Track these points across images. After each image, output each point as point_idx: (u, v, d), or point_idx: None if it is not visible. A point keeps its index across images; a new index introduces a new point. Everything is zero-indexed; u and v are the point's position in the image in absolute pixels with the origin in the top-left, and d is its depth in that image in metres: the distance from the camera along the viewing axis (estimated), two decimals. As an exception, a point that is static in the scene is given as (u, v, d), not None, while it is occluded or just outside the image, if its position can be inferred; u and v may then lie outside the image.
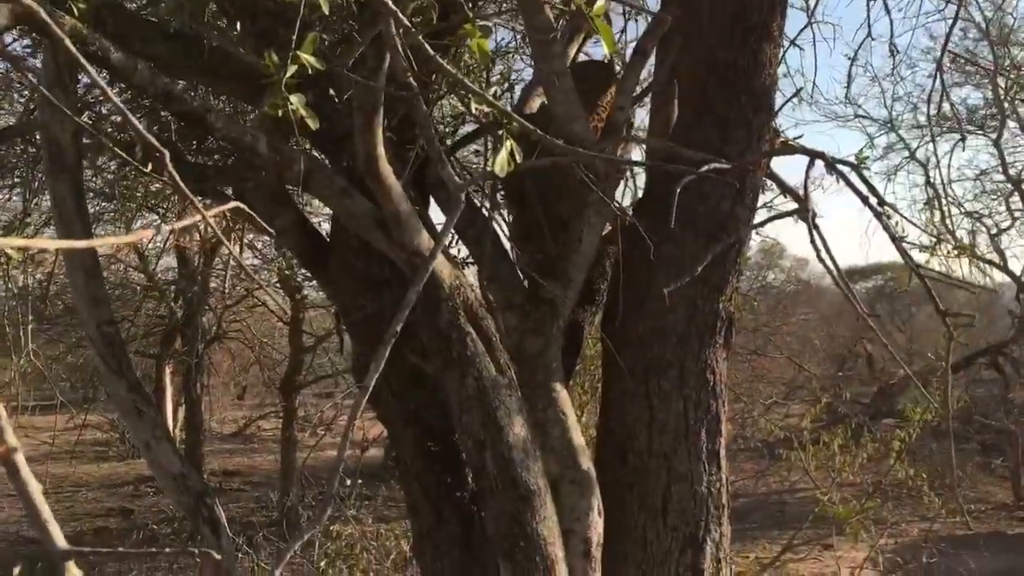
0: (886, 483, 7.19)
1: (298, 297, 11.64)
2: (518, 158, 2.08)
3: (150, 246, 10.34)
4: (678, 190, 2.75)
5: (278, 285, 11.80)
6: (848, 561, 8.15)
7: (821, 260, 4.29)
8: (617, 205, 3.79)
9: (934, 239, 4.81)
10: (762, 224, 4.17)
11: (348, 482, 6.47)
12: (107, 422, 15.85)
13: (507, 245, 3.74)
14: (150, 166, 1.36)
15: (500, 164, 2.05)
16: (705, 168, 2.60)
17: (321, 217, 7.74)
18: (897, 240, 2.97)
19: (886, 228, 2.97)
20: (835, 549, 5.84)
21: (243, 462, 16.61)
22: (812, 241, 2.93)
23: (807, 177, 2.80)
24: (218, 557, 3.20)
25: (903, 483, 7.24)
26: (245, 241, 10.42)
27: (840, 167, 3.42)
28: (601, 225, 3.69)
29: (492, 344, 3.23)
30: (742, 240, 3.75)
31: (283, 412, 12.93)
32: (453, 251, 3.95)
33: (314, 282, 10.40)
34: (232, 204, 1.24)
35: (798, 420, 8.82)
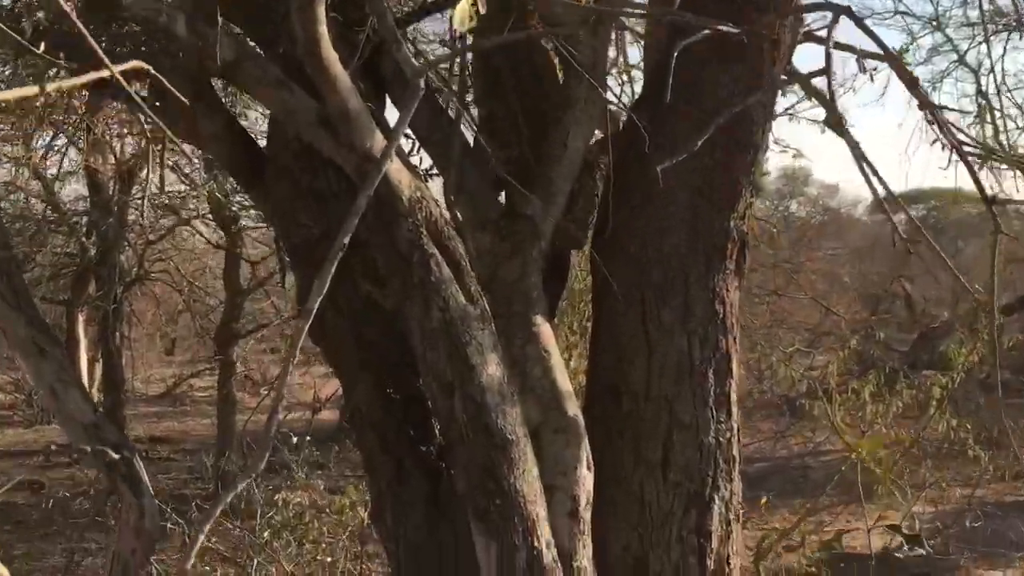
0: (924, 438, 7.30)
1: (234, 229, 11.56)
2: (482, 7, 2.04)
3: (51, 168, 10.18)
4: (675, 55, 2.74)
5: (209, 216, 11.72)
6: (882, 537, 8.31)
7: (857, 160, 4.29)
8: (611, 105, 3.77)
9: (985, 153, 4.82)
10: (783, 114, 4.15)
11: (295, 440, 6.49)
12: (10, 382, 15.81)
13: (479, 153, 3.71)
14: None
15: (460, 16, 2.01)
16: (713, 28, 2.58)
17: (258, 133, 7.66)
18: (951, 137, 2.96)
19: (937, 121, 2.96)
20: (865, 514, 5.93)
21: (173, 427, 16.65)
22: (834, 123, 2.91)
23: (829, 35, 2.78)
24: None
25: (944, 437, 7.35)
26: (168, 163, 10.29)
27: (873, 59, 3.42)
28: (590, 128, 3.68)
29: (461, 269, 3.22)
30: (757, 145, 3.74)
31: (219, 368, 12.91)
32: (415, 161, 3.92)
33: (256, 212, 10.33)
34: (135, 64, 1.19)
35: (824, 372, 8.91)
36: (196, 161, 11.00)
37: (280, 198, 3.71)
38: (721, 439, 3.82)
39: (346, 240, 2.14)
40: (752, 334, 12.11)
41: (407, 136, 3.87)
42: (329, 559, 5.51)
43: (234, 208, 10.52)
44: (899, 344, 16.45)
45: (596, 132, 3.88)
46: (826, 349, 12.48)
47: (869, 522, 7.02)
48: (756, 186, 3.96)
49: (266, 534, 5.53)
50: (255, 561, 5.35)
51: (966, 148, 4.41)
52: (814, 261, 16.51)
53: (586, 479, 3.44)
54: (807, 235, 17.13)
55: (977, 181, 3.24)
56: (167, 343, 21.22)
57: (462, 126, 3.61)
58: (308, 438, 6.65)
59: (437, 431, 3.63)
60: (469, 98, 3.96)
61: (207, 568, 5.54)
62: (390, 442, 3.72)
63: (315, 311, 2.19)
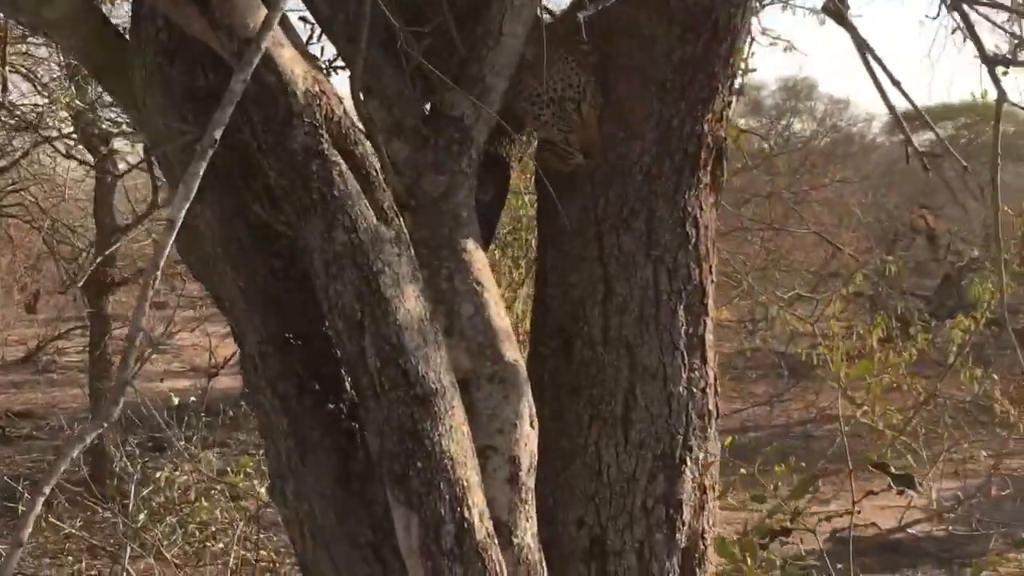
0: (943, 393, 7.42)
1: (104, 150, 11.38)
2: None
3: None
4: None
5: (73, 137, 11.51)
6: (893, 511, 8.44)
7: (863, 58, 4.32)
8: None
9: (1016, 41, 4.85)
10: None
11: (176, 403, 6.45)
12: None
13: (394, 41, 3.66)
14: None
15: None
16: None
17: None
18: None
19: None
20: (873, 490, 6.02)
21: (36, 399, 16.54)
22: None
23: None
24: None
25: (968, 394, 7.48)
26: (21, 68, 10.08)
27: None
28: (532, 10, 3.65)
29: (371, 181, 3.20)
30: (736, 30, 3.74)
31: (91, 325, 12.79)
32: (316, 51, 3.88)
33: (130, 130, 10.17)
34: None
35: (823, 315, 9.04)
36: (56, 68, 10.82)
37: (149, 98, 3.65)
38: (695, 389, 3.86)
39: (217, 134, 2.11)
40: (744, 278, 12.20)
41: (306, 21, 3.82)
42: (220, 546, 5.49)
43: (104, 124, 10.34)
44: (920, 288, 16.70)
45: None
46: (832, 295, 12.64)
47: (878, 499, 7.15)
48: (735, 80, 3.97)
49: (142, 516, 5.50)
50: (128, 550, 5.32)
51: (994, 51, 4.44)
52: (819, 190, 16.66)
53: (529, 438, 3.45)
54: (810, 158, 17.26)
55: (996, 81, 3.26)
56: (27, 297, 20.95)
57: (373, 5, 3.56)
58: (192, 403, 6.60)
59: (347, 384, 3.62)
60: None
61: (70, 559, 5.50)
62: (290, 399, 3.70)
63: (188, 231, 2.16)
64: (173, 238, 2.15)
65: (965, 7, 4.66)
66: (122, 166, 12.21)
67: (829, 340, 7.27)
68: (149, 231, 12.91)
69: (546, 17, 4.10)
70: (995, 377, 7.25)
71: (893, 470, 2.94)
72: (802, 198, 15.32)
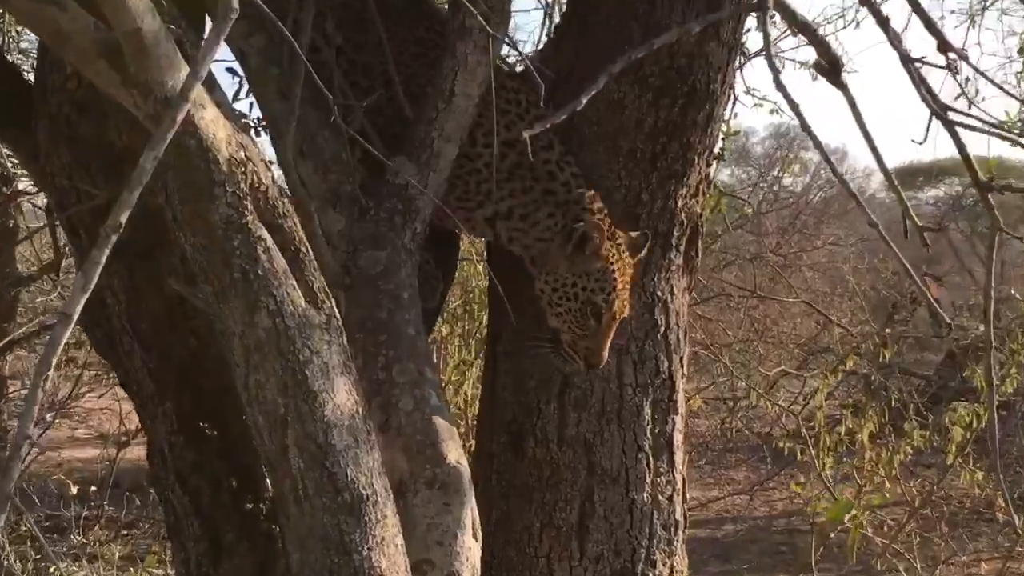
0: (941, 495, 7.44)
1: (7, 191, 11.31)
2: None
3: None
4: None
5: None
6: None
7: (858, 123, 4.34)
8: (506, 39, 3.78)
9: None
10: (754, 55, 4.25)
11: (75, 491, 6.38)
12: None
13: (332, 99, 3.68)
14: None
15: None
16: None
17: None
18: (932, 99, 3.00)
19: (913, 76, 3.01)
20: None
21: (-79, 468, 16.27)
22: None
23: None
24: None
25: (968, 494, 7.51)
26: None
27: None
28: (487, 70, 3.67)
29: (300, 259, 3.18)
30: (715, 96, 3.78)
31: (-14, 386, 12.67)
32: (243, 107, 3.88)
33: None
34: None
35: (810, 401, 9.05)
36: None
37: (55, 157, 3.64)
38: (660, 496, 3.86)
39: (123, 218, 2.10)
40: (722, 354, 12.25)
41: (234, 73, 3.83)
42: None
43: (8, 165, 10.30)
44: (921, 365, 16.75)
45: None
46: (821, 370, 12.67)
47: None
48: (712, 147, 4.01)
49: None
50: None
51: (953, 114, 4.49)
52: (810, 252, 16.75)
53: (471, 551, 3.43)
54: (801, 217, 17.37)
55: (967, 159, 3.29)
56: (-84, 351, 20.71)
57: (308, 60, 3.56)
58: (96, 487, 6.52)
59: (267, 480, 3.60)
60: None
61: None
62: (203, 495, 3.69)
63: (93, 301, 2.14)
64: (67, 334, 2.13)
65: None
66: (28, 206, 12.15)
67: (811, 425, 7.29)
68: (56, 282, 12.80)
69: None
70: (1000, 477, 7.26)
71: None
72: (791, 262, 15.38)
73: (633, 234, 3.82)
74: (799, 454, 7.77)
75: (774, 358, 14.35)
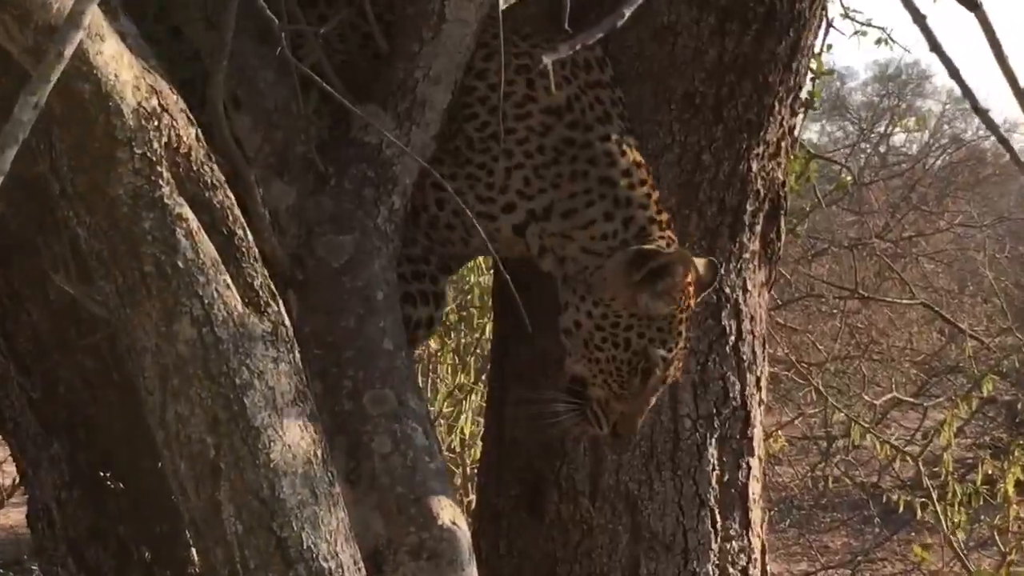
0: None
1: None
2: None
3: None
4: None
5: None
6: None
7: (1001, 60, 4.32)
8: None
9: None
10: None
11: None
12: None
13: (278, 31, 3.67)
14: None
15: None
16: None
17: None
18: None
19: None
20: None
21: None
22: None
23: None
24: None
25: None
26: None
27: None
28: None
29: (236, 245, 3.18)
30: (802, 18, 3.76)
31: None
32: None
33: None
34: None
35: (934, 439, 9.01)
36: None
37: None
38: (731, 569, 3.85)
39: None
40: (814, 373, 12.21)
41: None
42: None
43: None
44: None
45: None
46: (949, 400, 12.61)
47: None
48: (800, 95, 4.00)
49: None
50: None
51: None
52: (931, 238, 16.70)
53: (472, 646, 3.43)
54: (919, 189, 17.33)
55: None
56: None
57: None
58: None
59: (192, 550, 3.59)
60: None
61: None
62: (104, 572, 3.68)
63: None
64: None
65: None
66: None
67: (938, 476, 7.26)
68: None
69: None
70: None
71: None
72: (905, 250, 15.28)
73: (699, 262, 3.82)
74: (918, 511, 7.72)
75: (883, 381, 14.28)
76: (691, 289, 3.73)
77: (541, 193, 3.84)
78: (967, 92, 3.36)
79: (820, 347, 13.78)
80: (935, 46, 3.08)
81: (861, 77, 24.77)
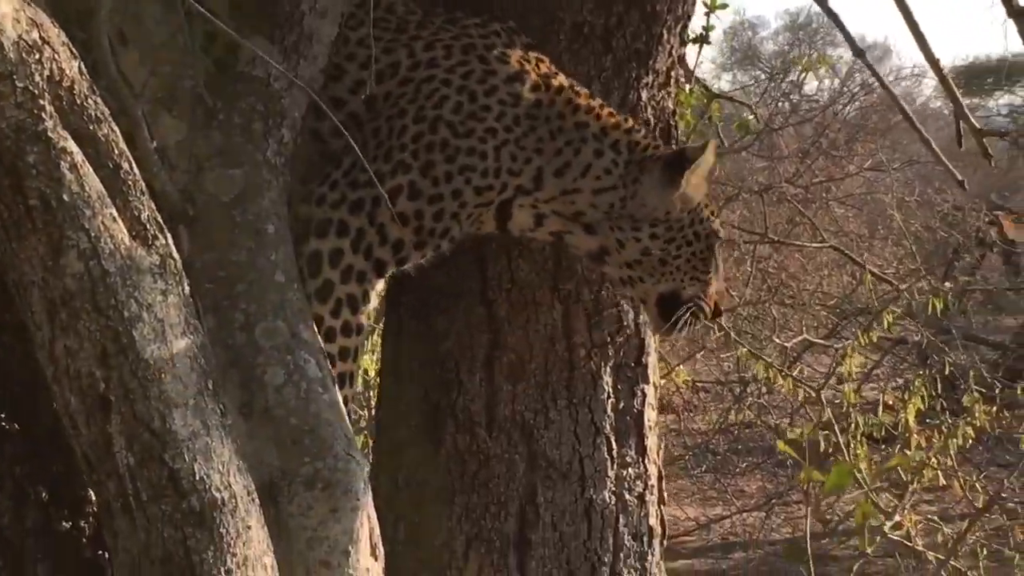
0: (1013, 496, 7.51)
1: None
2: None
3: None
4: None
5: None
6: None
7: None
8: None
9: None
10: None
11: None
12: None
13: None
14: None
15: None
16: None
17: None
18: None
19: None
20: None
21: None
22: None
23: None
24: None
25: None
26: None
27: None
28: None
29: (123, 178, 3.17)
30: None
31: None
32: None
33: None
34: None
35: (837, 369, 9.07)
36: None
37: None
38: (627, 495, 3.88)
39: None
40: (726, 318, 12.25)
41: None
42: None
43: None
44: (993, 329, 16.85)
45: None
46: (850, 345, 12.63)
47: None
48: (692, 31, 4.02)
49: None
50: None
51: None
52: (842, 183, 16.75)
53: (369, 573, 3.44)
54: (829, 135, 17.37)
55: None
56: None
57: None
58: None
59: (91, 493, 3.58)
60: None
61: None
62: (2, 514, 3.66)
63: None
64: None
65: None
66: None
67: (843, 411, 7.31)
68: None
69: None
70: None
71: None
72: (815, 195, 15.30)
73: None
74: (827, 448, 7.78)
75: (795, 325, 14.34)
76: None
77: (527, 164, 3.84)
78: (847, 36, 3.41)
79: (732, 292, 13.81)
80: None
81: (772, 26, 24.85)
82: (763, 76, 23.71)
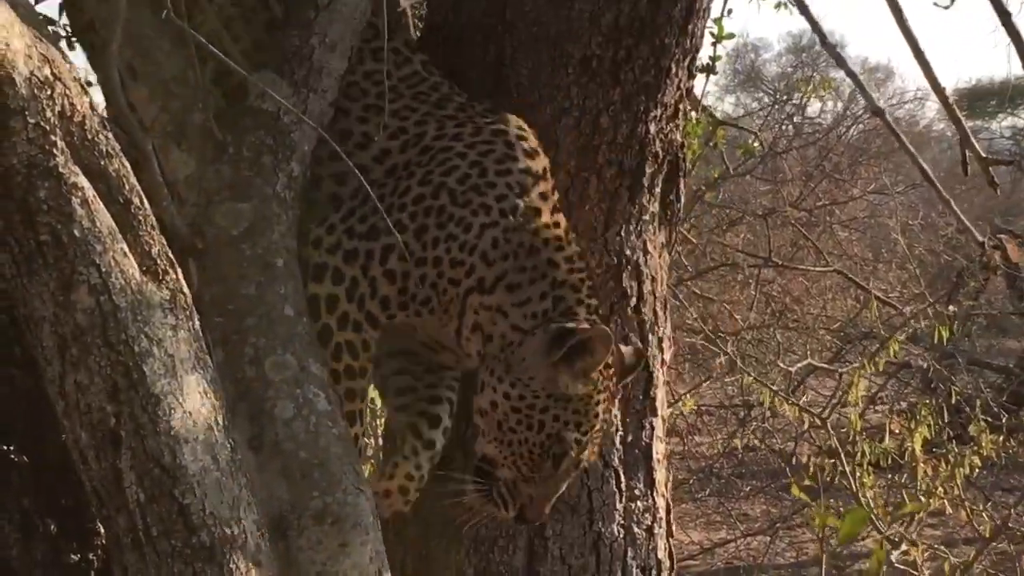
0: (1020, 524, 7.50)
1: None
2: None
3: None
4: None
5: None
6: None
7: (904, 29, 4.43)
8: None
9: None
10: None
11: None
12: None
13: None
14: None
15: None
16: None
17: None
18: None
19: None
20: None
21: None
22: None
23: None
24: None
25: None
26: None
27: None
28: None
29: (134, 214, 3.17)
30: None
31: None
32: (49, 11, 3.85)
33: None
34: None
35: (842, 399, 9.06)
36: None
37: None
38: (636, 528, 3.88)
39: None
40: (730, 342, 12.23)
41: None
42: None
43: None
44: (997, 353, 16.81)
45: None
46: (855, 371, 12.59)
47: None
48: (697, 54, 4.02)
49: None
50: None
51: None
52: (845, 206, 16.75)
53: (378, 610, 3.44)
54: (832, 158, 17.36)
55: None
56: None
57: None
58: None
59: (98, 521, 3.58)
60: None
61: None
62: (9, 550, 3.66)
63: None
64: None
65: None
66: None
67: (849, 439, 7.31)
68: None
69: None
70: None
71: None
72: (819, 219, 15.31)
73: (626, 349, 3.80)
74: (833, 475, 7.78)
75: (799, 349, 14.31)
76: (611, 371, 3.69)
77: (501, 260, 3.77)
78: (837, 58, 3.41)
79: (736, 316, 13.81)
80: (803, 8, 3.13)
81: (775, 48, 24.86)
82: (766, 99, 23.66)
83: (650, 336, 3.94)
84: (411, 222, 3.74)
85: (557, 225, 3.76)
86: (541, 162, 3.77)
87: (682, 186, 4.05)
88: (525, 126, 3.75)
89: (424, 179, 3.76)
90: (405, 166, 3.82)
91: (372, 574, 3.45)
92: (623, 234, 3.87)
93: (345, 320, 3.73)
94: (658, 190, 3.94)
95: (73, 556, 3.64)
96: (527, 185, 3.74)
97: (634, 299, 3.90)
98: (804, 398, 12.11)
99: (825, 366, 12.93)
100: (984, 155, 4.84)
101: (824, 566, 3.85)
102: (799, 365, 12.24)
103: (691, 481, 13.85)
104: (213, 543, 3.12)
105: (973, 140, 4.74)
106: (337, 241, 3.73)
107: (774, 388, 9.57)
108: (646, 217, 3.91)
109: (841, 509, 10.69)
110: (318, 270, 3.72)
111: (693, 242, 11.91)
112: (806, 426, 9.75)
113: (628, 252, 3.89)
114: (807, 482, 7.18)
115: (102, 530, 3.57)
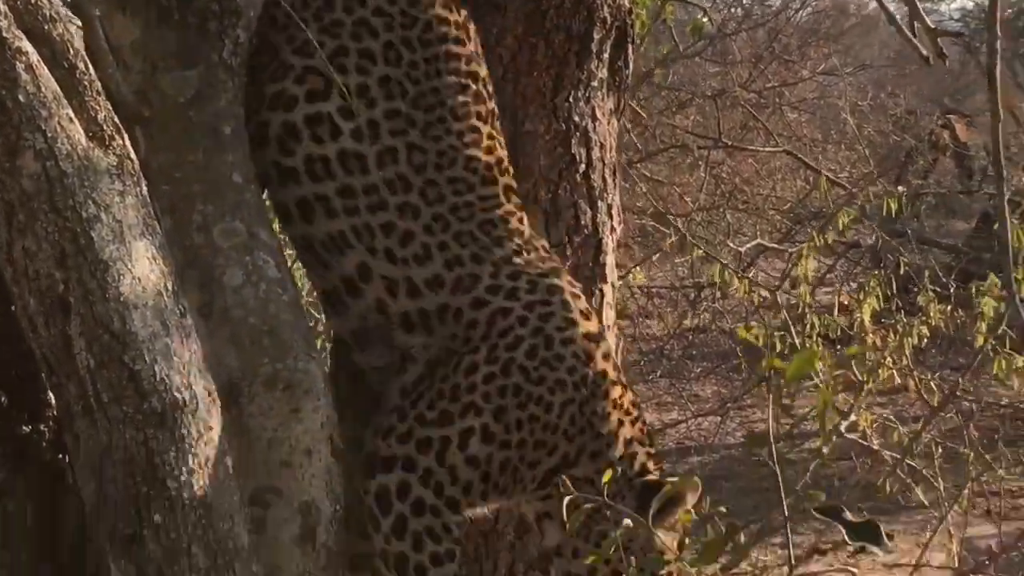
0: (970, 394, 7.54)
1: None
2: None
3: None
4: None
5: None
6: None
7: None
8: None
9: None
10: None
11: None
12: None
13: None
14: None
15: None
16: None
17: None
18: None
19: None
20: (819, 547, 6.01)
21: None
22: None
23: None
24: None
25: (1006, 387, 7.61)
26: None
27: None
28: None
29: (79, 79, 3.15)
30: None
31: None
32: None
33: None
34: None
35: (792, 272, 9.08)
36: None
37: None
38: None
39: None
40: (680, 223, 12.21)
41: None
42: None
43: None
44: (945, 233, 16.88)
45: None
46: (805, 247, 12.60)
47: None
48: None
49: None
50: None
51: None
52: (795, 87, 16.71)
53: (331, 473, 3.45)
54: (782, 39, 17.29)
55: None
56: None
57: None
58: None
59: (48, 389, 3.57)
60: None
61: None
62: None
63: None
64: None
65: None
66: None
67: (799, 313, 7.32)
68: None
69: None
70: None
71: (848, 516, 2.90)
72: (769, 100, 15.23)
73: None
74: (782, 350, 7.80)
75: (749, 229, 14.32)
76: None
77: (579, 435, 3.72)
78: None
79: (686, 198, 13.79)
80: None
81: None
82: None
83: (599, 202, 3.91)
84: (486, 403, 3.61)
85: (618, 382, 3.74)
86: (596, 323, 3.71)
87: (630, 52, 4.02)
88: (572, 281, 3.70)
89: (490, 357, 3.62)
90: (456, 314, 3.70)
91: (324, 439, 3.46)
92: (572, 100, 3.84)
93: (421, 506, 3.57)
94: (606, 56, 3.91)
95: (24, 428, 3.62)
96: (592, 352, 3.66)
97: (583, 165, 3.87)
98: (755, 279, 12.13)
99: (775, 246, 12.99)
100: (932, 27, 4.85)
101: (771, 408, 3.83)
102: (749, 245, 12.23)
103: (642, 363, 13.89)
104: (164, 408, 3.12)
105: (923, 14, 4.76)
106: (408, 430, 3.59)
107: (724, 262, 9.57)
108: (595, 83, 3.89)
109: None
110: (388, 462, 3.58)
111: (644, 118, 11.87)
112: (756, 303, 9.73)
113: (576, 118, 3.86)
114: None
115: (53, 401, 3.56)
